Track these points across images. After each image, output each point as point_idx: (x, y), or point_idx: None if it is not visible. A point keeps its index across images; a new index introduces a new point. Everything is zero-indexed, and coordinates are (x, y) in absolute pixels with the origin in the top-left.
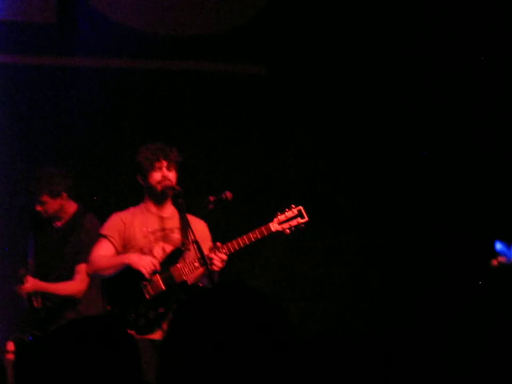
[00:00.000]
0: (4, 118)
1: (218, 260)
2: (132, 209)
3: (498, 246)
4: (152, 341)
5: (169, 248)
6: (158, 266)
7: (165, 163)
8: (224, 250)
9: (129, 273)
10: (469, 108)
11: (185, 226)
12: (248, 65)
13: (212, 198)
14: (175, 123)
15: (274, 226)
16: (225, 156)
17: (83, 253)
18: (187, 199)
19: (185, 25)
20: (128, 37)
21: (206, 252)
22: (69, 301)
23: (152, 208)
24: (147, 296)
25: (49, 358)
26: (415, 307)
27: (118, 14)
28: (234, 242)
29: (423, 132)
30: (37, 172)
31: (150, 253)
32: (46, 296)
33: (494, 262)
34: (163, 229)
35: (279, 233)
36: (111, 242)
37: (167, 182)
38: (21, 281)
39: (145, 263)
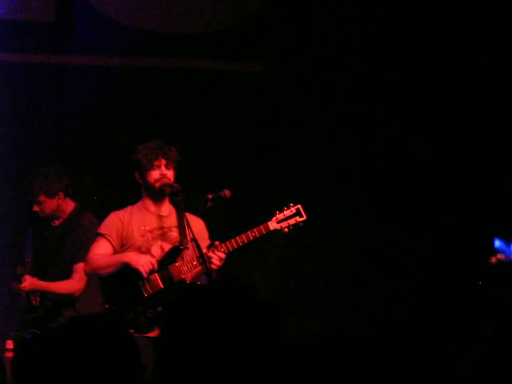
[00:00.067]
0: (2, 116)
1: (217, 258)
2: (129, 208)
3: (497, 243)
4: (151, 339)
5: (167, 246)
6: (156, 266)
7: (163, 161)
8: (222, 249)
9: (128, 272)
10: (468, 108)
11: (183, 225)
12: (248, 63)
13: (210, 196)
14: (174, 121)
15: (273, 225)
16: (224, 154)
17: (81, 252)
18: (185, 197)
19: (184, 23)
20: (127, 35)
21: (203, 250)
22: (67, 299)
23: (150, 206)
24: (145, 294)
25: (48, 356)
26: (414, 306)
27: (116, 12)
28: (233, 241)
29: (423, 132)
30: (32, 173)
31: (148, 251)
32: (44, 294)
33: (493, 260)
34: (161, 228)
35: (278, 232)
36: (109, 241)
37: (165, 180)
38: (19, 280)
39: (143, 262)
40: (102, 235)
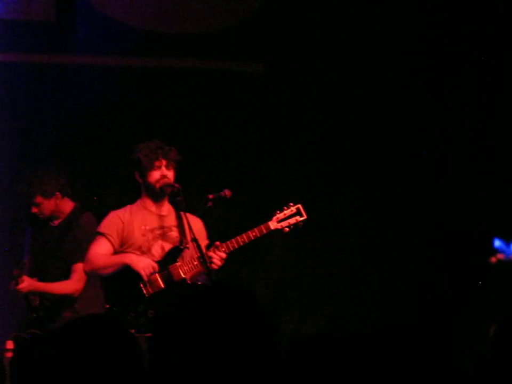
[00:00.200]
0: (3, 116)
1: (218, 258)
2: (129, 207)
3: (497, 243)
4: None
5: (168, 246)
6: (157, 269)
7: (164, 162)
8: (223, 249)
9: (128, 272)
10: (468, 108)
11: (183, 225)
12: (247, 63)
13: (210, 196)
14: (174, 121)
15: (273, 224)
16: (224, 153)
17: (80, 252)
18: (186, 197)
19: (184, 23)
20: (127, 35)
21: (203, 250)
22: (66, 300)
23: (150, 206)
24: (146, 294)
25: (48, 356)
26: (414, 306)
27: (116, 12)
28: (233, 240)
29: (423, 132)
30: (28, 174)
31: (149, 251)
32: (43, 295)
33: (493, 259)
34: (162, 227)
35: (278, 232)
36: (109, 240)
37: (166, 180)
38: (16, 281)
39: (144, 265)
40: (102, 234)
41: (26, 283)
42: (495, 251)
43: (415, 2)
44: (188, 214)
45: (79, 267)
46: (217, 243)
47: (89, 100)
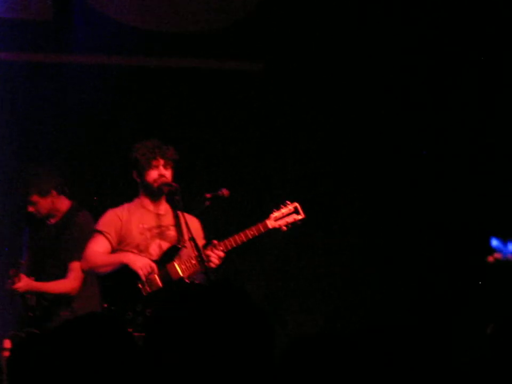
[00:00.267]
0: (0, 115)
1: (216, 257)
2: (126, 206)
3: (494, 242)
4: None
5: (165, 245)
6: (155, 269)
7: (162, 161)
8: (221, 248)
9: (126, 271)
10: (468, 108)
11: (180, 224)
12: (247, 62)
13: (208, 195)
14: (173, 120)
15: (271, 223)
16: (222, 153)
17: (76, 250)
18: (183, 196)
19: (183, 22)
20: (125, 34)
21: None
22: (63, 299)
23: (148, 205)
24: (144, 293)
25: (45, 355)
26: (414, 305)
27: (114, 11)
28: (231, 239)
29: (423, 132)
30: (23, 173)
31: (147, 249)
32: (41, 294)
33: (490, 259)
34: (159, 226)
35: (276, 230)
36: (107, 238)
37: (164, 179)
38: (12, 281)
39: (142, 265)
40: (100, 232)
41: (23, 283)
42: (493, 250)
43: (415, 0)
44: (185, 214)
45: (75, 265)
46: (215, 242)
47: (87, 99)
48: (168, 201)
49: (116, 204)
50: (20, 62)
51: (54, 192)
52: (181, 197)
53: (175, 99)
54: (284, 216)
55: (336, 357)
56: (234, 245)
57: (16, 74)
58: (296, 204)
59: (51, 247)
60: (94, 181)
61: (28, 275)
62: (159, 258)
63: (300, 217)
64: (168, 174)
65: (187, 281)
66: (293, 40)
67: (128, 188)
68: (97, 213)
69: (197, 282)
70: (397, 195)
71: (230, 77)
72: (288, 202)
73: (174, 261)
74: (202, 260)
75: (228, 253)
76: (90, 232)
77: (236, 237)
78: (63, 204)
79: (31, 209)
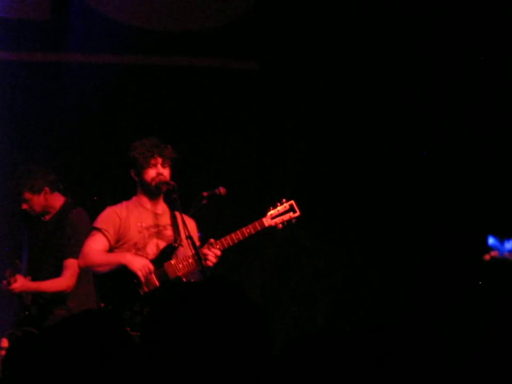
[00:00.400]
0: None
1: (212, 255)
2: (125, 204)
3: (491, 240)
4: None
5: (162, 244)
6: (153, 270)
7: (159, 160)
8: (218, 246)
9: (124, 271)
10: (468, 108)
11: (177, 223)
12: (242, 60)
13: (205, 194)
14: (169, 119)
15: (267, 221)
16: (219, 151)
17: (70, 247)
18: (181, 195)
19: (179, 21)
20: (122, 32)
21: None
22: (59, 297)
23: (146, 203)
24: (141, 292)
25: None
26: (414, 305)
27: (112, 10)
28: (228, 237)
29: (423, 132)
30: (16, 171)
31: (144, 248)
32: (38, 293)
33: (487, 257)
34: (157, 225)
35: (272, 229)
36: (105, 236)
37: (162, 178)
38: (8, 281)
39: (141, 266)
40: (99, 230)
41: (19, 283)
42: (489, 249)
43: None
44: (182, 214)
45: (70, 263)
46: (212, 240)
47: (85, 98)
48: (166, 201)
49: (115, 202)
50: (17, 61)
51: (47, 189)
52: (178, 195)
53: (171, 97)
54: (280, 214)
55: (336, 357)
56: (231, 244)
57: (13, 74)
58: (292, 202)
59: (46, 244)
60: (93, 180)
61: (26, 273)
62: (156, 258)
63: (295, 214)
64: (166, 172)
65: (184, 280)
66: (288, 38)
67: (126, 187)
68: (96, 212)
69: (193, 281)
70: (397, 195)
71: (225, 75)
72: (284, 200)
73: (171, 260)
74: (199, 258)
75: (225, 251)
76: (84, 229)
77: (233, 235)
78: (57, 200)
79: (24, 206)
